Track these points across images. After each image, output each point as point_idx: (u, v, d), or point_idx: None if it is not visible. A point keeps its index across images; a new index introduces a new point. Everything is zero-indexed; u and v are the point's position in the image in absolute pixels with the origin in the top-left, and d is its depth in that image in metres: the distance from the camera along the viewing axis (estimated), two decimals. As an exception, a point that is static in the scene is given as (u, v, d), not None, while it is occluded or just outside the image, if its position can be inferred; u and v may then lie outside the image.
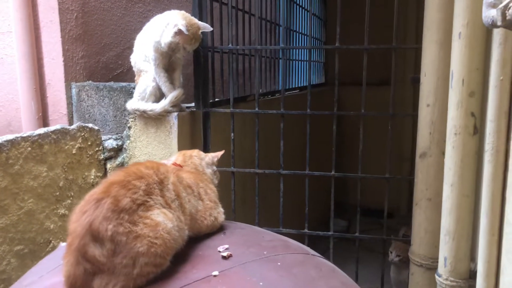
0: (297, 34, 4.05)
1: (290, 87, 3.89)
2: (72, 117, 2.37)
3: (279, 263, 1.10)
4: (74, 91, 2.35)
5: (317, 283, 1.05)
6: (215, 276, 1.03)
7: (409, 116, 1.86)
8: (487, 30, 1.40)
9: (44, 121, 2.36)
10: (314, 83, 4.58)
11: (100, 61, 2.54)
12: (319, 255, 1.26)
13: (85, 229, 0.96)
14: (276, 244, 1.21)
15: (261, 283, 1.01)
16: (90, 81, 2.41)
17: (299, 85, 4.11)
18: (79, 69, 2.40)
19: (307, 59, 4.32)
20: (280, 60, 2.98)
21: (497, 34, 1.30)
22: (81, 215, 0.98)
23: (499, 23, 1.07)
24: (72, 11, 2.31)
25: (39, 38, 2.29)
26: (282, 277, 1.04)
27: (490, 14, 1.08)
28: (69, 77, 2.34)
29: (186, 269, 1.06)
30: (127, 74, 2.68)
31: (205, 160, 1.40)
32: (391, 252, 2.63)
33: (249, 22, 2.56)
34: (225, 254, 1.11)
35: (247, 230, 1.31)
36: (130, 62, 2.11)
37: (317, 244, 2.34)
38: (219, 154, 1.45)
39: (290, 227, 2.12)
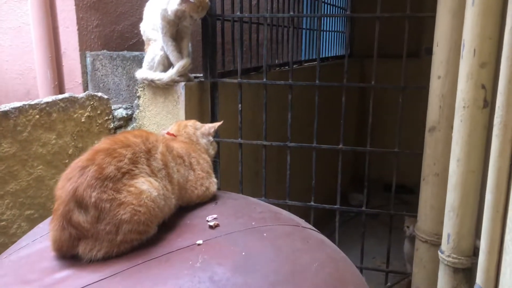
0: (325, 4, 3.93)
1: (312, 58, 3.80)
2: (87, 86, 2.40)
3: (265, 234, 1.09)
4: (88, 60, 2.37)
5: (301, 255, 1.04)
6: (199, 245, 1.03)
7: (422, 89, 1.77)
8: (502, -3, 1.30)
9: (60, 90, 2.41)
10: (337, 54, 4.46)
11: (115, 30, 2.55)
12: (311, 227, 1.25)
13: (69, 196, 0.98)
14: (266, 215, 1.20)
15: (243, 253, 1.01)
16: (105, 50, 2.43)
17: (322, 56, 4.00)
18: (94, 38, 2.42)
19: (333, 29, 4.22)
20: (290, 30, 2.90)
21: None
22: (66, 181, 1.00)
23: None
24: (86, -21, 2.31)
25: (53, 6, 2.31)
26: (265, 248, 1.03)
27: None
28: (84, 46, 2.36)
29: (171, 237, 1.07)
30: (143, 44, 2.66)
31: (200, 130, 1.39)
32: (408, 227, 2.59)
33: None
34: (212, 223, 1.11)
35: (239, 201, 1.31)
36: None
37: (333, 218, 2.33)
38: (217, 124, 1.44)
39: (307, 201, 2.10)
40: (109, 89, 2.36)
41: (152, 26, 1.97)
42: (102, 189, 0.98)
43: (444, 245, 1.51)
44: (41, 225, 1.24)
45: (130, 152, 1.05)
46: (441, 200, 1.62)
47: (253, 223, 1.14)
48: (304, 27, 3.83)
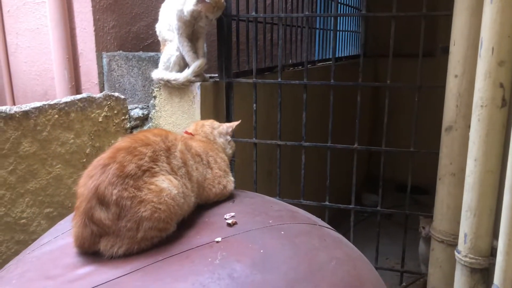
0: (340, 5, 3.92)
1: (326, 57, 3.80)
2: (103, 86, 2.43)
3: (282, 232, 1.10)
4: (105, 60, 2.40)
5: (318, 253, 1.05)
6: (217, 242, 1.05)
7: (438, 88, 1.76)
8: (521, -6, 1.30)
9: (77, 90, 2.44)
10: (351, 54, 4.45)
11: (131, 31, 2.58)
12: (328, 226, 1.25)
13: (91, 193, 1.00)
14: (283, 214, 1.21)
15: (261, 251, 1.01)
16: (121, 51, 2.46)
17: (336, 56, 4.00)
18: (110, 39, 2.45)
19: (347, 28, 4.21)
20: (304, 29, 2.90)
21: (530, -2, 1.21)
22: (88, 179, 1.02)
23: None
24: (102, -19, 2.35)
25: (71, 7, 2.34)
26: (284, 246, 1.04)
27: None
28: (100, 47, 2.39)
29: (190, 234, 1.09)
30: (158, 44, 2.68)
31: (218, 130, 1.40)
32: (423, 228, 2.57)
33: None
34: (230, 221, 1.13)
35: (256, 199, 1.32)
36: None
37: (347, 218, 2.32)
38: (234, 124, 1.45)
39: (319, 201, 2.11)
40: (125, 89, 2.39)
41: (167, 27, 1.99)
42: (123, 186, 1.00)
43: (461, 245, 1.50)
44: (62, 222, 1.27)
45: (151, 150, 1.07)
46: (457, 200, 1.61)
47: (270, 221, 1.14)
48: (317, 27, 3.84)
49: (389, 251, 3.34)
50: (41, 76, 2.50)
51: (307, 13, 1.94)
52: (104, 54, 2.40)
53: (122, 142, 1.08)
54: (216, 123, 1.43)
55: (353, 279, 1.03)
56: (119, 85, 2.41)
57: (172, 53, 1.97)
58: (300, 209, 1.32)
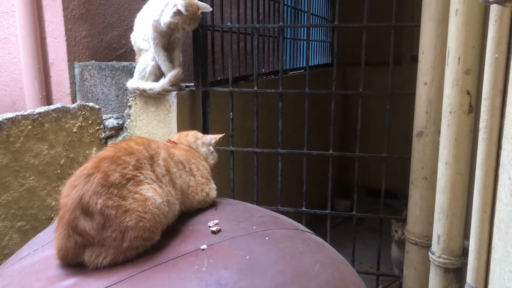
0: (304, 13, 4.01)
1: (297, 66, 3.87)
2: (75, 96, 2.40)
3: (267, 238, 1.12)
4: (77, 70, 2.37)
5: (303, 257, 1.07)
6: (203, 249, 1.05)
7: (409, 95, 1.83)
8: (484, 7, 1.38)
9: (48, 101, 2.40)
10: (320, 63, 4.54)
11: (103, 40, 2.56)
12: (309, 231, 1.28)
13: (75, 203, 0.99)
14: (266, 220, 1.23)
15: (247, 257, 1.03)
16: (93, 61, 2.43)
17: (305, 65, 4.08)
18: (82, 49, 2.42)
19: (316, 38, 4.30)
20: (279, 39, 2.96)
21: (493, 11, 1.28)
22: (72, 189, 1.01)
23: (491, -1, 1.06)
24: (74, -10, 2.32)
25: (42, 17, 2.31)
26: (269, 251, 1.06)
27: (482, -11, 1.07)
28: (72, 57, 2.36)
29: (175, 243, 1.09)
30: (131, 54, 2.69)
31: (201, 140, 1.42)
32: (396, 231, 2.64)
33: (252, 0, 2.54)
34: (214, 228, 1.14)
35: (238, 206, 1.33)
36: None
37: (321, 224, 2.36)
38: (218, 136, 1.46)
39: (292, 206, 2.14)
40: (98, 99, 2.36)
41: (143, 37, 1.99)
42: (107, 196, 0.99)
43: (435, 246, 1.56)
44: (40, 234, 1.24)
45: (134, 159, 1.07)
46: (430, 202, 1.68)
47: (254, 228, 1.16)
48: (287, 36, 3.91)
49: (362, 255, 3.39)
50: (9, 86, 2.44)
51: (281, 23, 1.97)
52: (76, 64, 2.37)
53: (106, 151, 1.08)
54: (199, 134, 1.44)
55: (337, 281, 1.06)
56: (91, 95, 2.38)
57: (148, 62, 1.97)
58: (281, 215, 1.34)
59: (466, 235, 1.54)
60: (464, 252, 1.55)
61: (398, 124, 3.15)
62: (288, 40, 3.75)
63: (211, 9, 1.90)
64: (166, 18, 1.82)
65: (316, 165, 2.77)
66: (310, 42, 4.18)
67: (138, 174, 1.05)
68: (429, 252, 1.59)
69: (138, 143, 1.12)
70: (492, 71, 1.30)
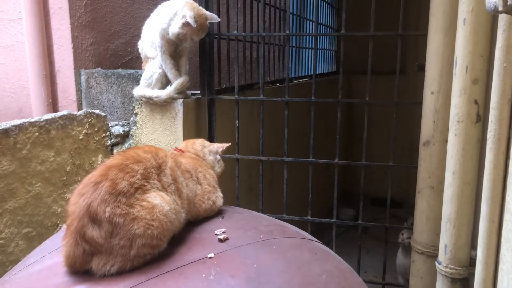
0: (309, 22, 4.02)
1: (301, 75, 3.88)
2: (81, 103, 2.41)
3: (274, 247, 1.11)
4: (83, 78, 2.38)
5: (310, 266, 1.07)
6: (210, 258, 1.05)
7: (416, 104, 1.83)
8: (492, 17, 1.38)
9: (54, 108, 2.41)
10: (325, 71, 4.55)
11: (109, 48, 2.57)
12: (316, 240, 1.27)
13: (83, 211, 0.99)
14: (273, 228, 1.22)
15: (255, 265, 1.03)
16: (99, 68, 2.44)
17: (310, 73, 4.09)
18: (88, 56, 2.43)
19: (319, 46, 4.31)
20: (286, 48, 2.96)
21: (501, 20, 1.28)
22: (80, 197, 1.01)
23: (500, 8, 1.06)
24: (81, -2, 2.34)
25: (48, 24, 2.33)
26: (276, 260, 1.06)
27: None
28: (78, 64, 2.37)
29: (182, 251, 1.09)
30: (136, 62, 2.70)
31: (208, 148, 1.42)
32: (402, 234, 2.63)
33: (257, 9, 2.56)
34: (221, 237, 1.13)
35: (245, 214, 1.33)
36: (138, 49, 2.13)
37: (324, 232, 2.35)
38: (225, 145, 1.46)
39: (297, 215, 2.13)
40: (103, 107, 2.37)
41: (150, 44, 2.00)
42: (115, 204, 0.99)
43: (441, 256, 1.55)
44: (47, 241, 1.24)
45: (142, 167, 1.07)
46: (436, 212, 1.67)
47: (261, 236, 1.16)
48: (293, 45, 3.92)
49: (367, 264, 3.38)
50: (16, 93, 2.45)
51: (287, 32, 1.98)
52: (82, 71, 2.38)
53: (113, 159, 1.08)
54: (206, 142, 1.44)
55: (345, 291, 1.05)
56: (97, 102, 2.38)
57: (155, 70, 1.97)
58: (288, 224, 1.33)
59: (473, 245, 1.53)
60: (471, 262, 1.54)
61: (401, 133, 3.15)
62: (293, 49, 3.76)
63: (219, 19, 1.91)
64: (174, 28, 1.82)
65: (319, 174, 2.77)
66: (313, 50, 4.19)
67: (146, 183, 1.05)
68: (435, 262, 1.58)
69: (145, 151, 1.12)
70: (501, 80, 1.30)
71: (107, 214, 0.98)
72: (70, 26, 2.31)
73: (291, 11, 3.46)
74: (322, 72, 4.46)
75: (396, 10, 1.83)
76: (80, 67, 2.38)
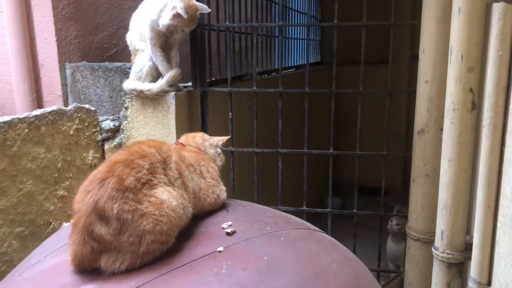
0: (293, 12, 4.01)
1: (286, 66, 3.87)
2: (67, 98, 2.35)
3: (282, 238, 1.11)
4: (68, 71, 2.32)
5: (320, 257, 1.07)
6: (220, 251, 1.04)
7: (404, 93, 1.86)
8: (487, 5, 1.39)
9: (39, 103, 2.34)
10: (309, 61, 4.55)
11: (94, 41, 2.51)
12: (320, 230, 1.28)
13: (90, 208, 0.97)
14: (278, 220, 1.22)
15: (265, 258, 1.02)
16: (84, 62, 2.39)
17: (294, 64, 4.09)
18: (73, 49, 2.37)
19: (304, 37, 4.31)
20: (277, 38, 2.95)
21: (497, 9, 1.30)
22: (86, 194, 0.99)
23: (500, -3, 1.07)
24: (64, -11, 2.28)
25: (31, 17, 2.25)
26: (286, 251, 1.06)
27: (490, -13, 1.08)
28: (63, 58, 2.31)
29: (191, 246, 1.08)
30: (122, 54, 2.65)
31: (209, 141, 1.40)
32: (391, 221, 2.67)
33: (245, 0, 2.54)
34: (229, 230, 1.13)
35: (248, 207, 1.33)
36: (126, 42, 2.08)
37: (313, 222, 2.37)
38: (225, 138, 1.45)
39: (288, 206, 2.14)
40: (90, 101, 2.32)
41: (139, 37, 1.96)
42: (123, 200, 0.98)
43: (438, 242, 1.58)
44: (48, 240, 1.21)
45: (148, 162, 1.05)
46: (431, 199, 1.70)
47: (268, 228, 1.16)
48: (283, 35, 3.91)
49: (357, 252, 3.42)
50: (-2, 88, 2.38)
51: (280, 22, 1.97)
52: (67, 65, 2.32)
53: (118, 155, 1.06)
54: (207, 136, 1.43)
55: (354, 280, 1.07)
56: (84, 97, 2.33)
57: (145, 63, 1.94)
58: (291, 215, 1.34)
59: (468, 231, 1.57)
60: (466, 247, 1.57)
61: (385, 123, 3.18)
62: (278, 39, 3.75)
63: (209, 10, 1.89)
64: (165, 20, 1.79)
65: (308, 164, 2.78)
66: (299, 41, 4.19)
67: (152, 178, 1.04)
68: (432, 248, 1.61)
69: (150, 146, 1.10)
70: (496, 69, 1.32)
71: (115, 211, 0.96)
72: (53, 18, 2.24)
73: (276, 1, 3.44)
74: (304, 63, 4.46)
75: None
76: (64, 61, 2.32)
